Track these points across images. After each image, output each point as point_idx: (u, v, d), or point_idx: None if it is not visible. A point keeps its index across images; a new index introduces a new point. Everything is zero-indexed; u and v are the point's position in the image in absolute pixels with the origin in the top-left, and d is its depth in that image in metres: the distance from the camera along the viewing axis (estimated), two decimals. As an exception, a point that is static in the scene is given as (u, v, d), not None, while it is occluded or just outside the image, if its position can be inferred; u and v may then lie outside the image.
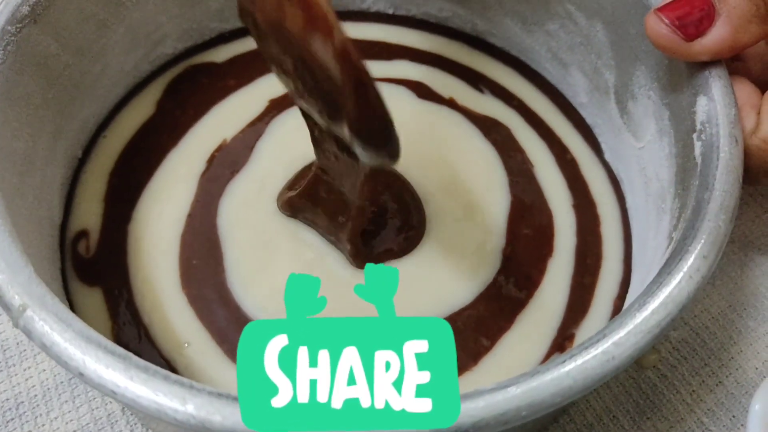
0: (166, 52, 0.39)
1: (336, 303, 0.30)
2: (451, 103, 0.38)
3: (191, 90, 0.38)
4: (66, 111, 0.33)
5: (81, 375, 0.22)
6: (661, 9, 0.28)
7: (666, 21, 0.28)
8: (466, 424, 0.20)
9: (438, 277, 0.32)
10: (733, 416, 0.32)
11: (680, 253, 0.24)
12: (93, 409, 0.31)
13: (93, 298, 0.31)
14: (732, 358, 0.34)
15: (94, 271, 0.32)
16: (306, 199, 0.32)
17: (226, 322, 0.31)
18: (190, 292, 0.31)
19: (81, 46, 0.33)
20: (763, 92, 0.29)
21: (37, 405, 0.32)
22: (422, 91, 0.38)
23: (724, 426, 0.32)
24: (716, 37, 0.27)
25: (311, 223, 0.33)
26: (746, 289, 0.36)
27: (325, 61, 0.22)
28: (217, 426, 0.20)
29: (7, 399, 0.32)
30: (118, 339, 0.30)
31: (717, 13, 0.27)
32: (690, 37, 0.28)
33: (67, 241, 0.33)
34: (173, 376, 0.21)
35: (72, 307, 0.31)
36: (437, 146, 0.36)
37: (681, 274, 0.24)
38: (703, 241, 0.24)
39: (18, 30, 0.29)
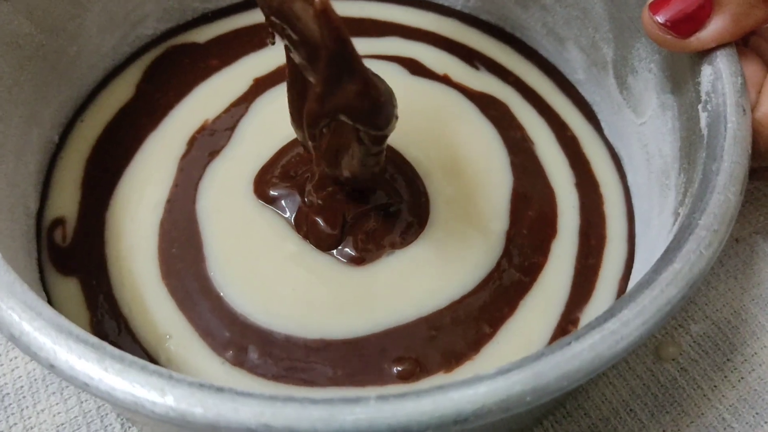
0: (146, 33, 0.37)
1: (318, 288, 0.30)
2: (445, 80, 0.37)
3: (172, 71, 0.36)
4: (41, 94, 0.32)
5: (52, 367, 0.20)
6: (653, 5, 0.27)
7: (658, 22, 0.27)
8: (466, 411, 0.19)
9: (439, 265, 0.31)
10: (757, 413, 0.31)
11: (689, 227, 0.23)
12: (82, 402, 0.30)
13: (70, 288, 0.30)
14: (755, 353, 0.32)
15: (70, 260, 0.31)
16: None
17: (209, 313, 0.29)
18: (170, 283, 0.30)
19: (55, 25, 0.32)
20: None
21: (24, 397, 0.30)
22: (415, 67, 0.37)
23: (746, 423, 0.31)
24: (715, 30, 0.26)
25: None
26: (769, 282, 0.34)
27: (307, 22, 0.21)
28: (198, 419, 0.19)
29: (-8, 391, 0.30)
30: (97, 331, 0.29)
31: (715, 2, 0.26)
32: (685, 35, 0.27)
33: (43, 230, 0.31)
34: (151, 366, 0.20)
35: (49, 299, 0.30)
36: (434, 124, 0.35)
37: (691, 250, 0.23)
38: (713, 214, 0.23)
39: (-13, 7, 0.28)
